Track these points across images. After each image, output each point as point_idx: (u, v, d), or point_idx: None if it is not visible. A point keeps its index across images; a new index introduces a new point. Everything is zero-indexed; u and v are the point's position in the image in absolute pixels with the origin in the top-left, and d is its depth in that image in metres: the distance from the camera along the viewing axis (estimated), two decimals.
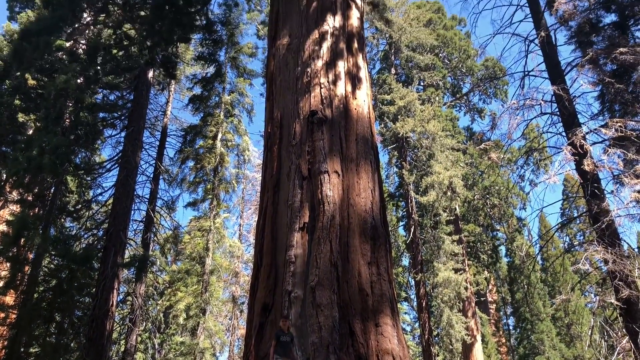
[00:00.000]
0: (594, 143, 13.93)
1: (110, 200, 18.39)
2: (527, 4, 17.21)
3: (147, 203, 21.08)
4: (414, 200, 27.40)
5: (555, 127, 15.45)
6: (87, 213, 18.97)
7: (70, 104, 14.46)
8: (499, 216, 30.67)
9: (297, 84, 6.99)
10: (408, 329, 39.47)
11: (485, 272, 31.35)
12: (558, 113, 14.69)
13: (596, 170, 13.03)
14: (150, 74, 19.85)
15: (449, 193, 25.54)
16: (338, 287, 5.48)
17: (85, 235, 18.50)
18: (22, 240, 13.27)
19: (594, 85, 13.72)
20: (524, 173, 17.73)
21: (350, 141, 6.47)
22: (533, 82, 25.54)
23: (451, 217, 27.33)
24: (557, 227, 29.75)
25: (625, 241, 13.05)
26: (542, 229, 36.99)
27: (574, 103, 14.36)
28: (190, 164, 24.12)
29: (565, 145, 13.74)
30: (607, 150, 13.06)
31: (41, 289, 15.31)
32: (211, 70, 22.95)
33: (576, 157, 13.11)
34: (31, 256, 15.02)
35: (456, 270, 24.58)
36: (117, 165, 18.65)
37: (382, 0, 34.05)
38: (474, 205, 31.05)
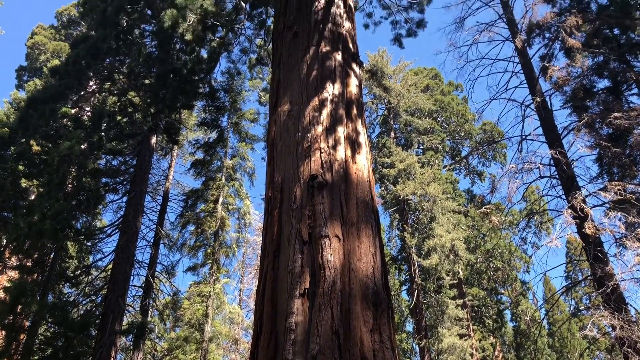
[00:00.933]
0: (594, 206, 13.96)
1: (110, 266, 18.22)
2: (521, 71, 17.71)
3: (146, 268, 20.85)
4: (416, 263, 27.11)
5: (555, 190, 15.54)
6: (86, 279, 18.74)
7: (74, 170, 14.60)
8: (503, 279, 30.31)
9: (298, 148, 7.07)
10: None
11: (491, 337, 30.61)
12: (557, 176, 14.79)
13: (598, 233, 12.97)
14: (154, 139, 20.16)
15: (451, 256, 25.34)
16: (340, 356, 5.33)
17: (84, 302, 18.18)
18: (19, 308, 13.05)
19: (591, 148, 13.91)
20: (526, 236, 17.68)
21: (351, 205, 6.47)
22: (531, 145, 26.01)
23: (454, 281, 26.97)
24: (562, 290, 29.22)
25: (632, 306, 12.82)
26: (547, 293, 36.43)
27: (573, 166, 14.50)
28: (191, 228, 24.06)
29: (565, 209, 13.75)
30: (608, 214, 13.06)
31: (36, 358, 14.90)
32: (214, 135, 23.31)
33: (577, 220, 13.08)
34: (27, 324, 14.72)
35: (461, 336, 24.02)
36: (117, 230, 18.59)
37: (380, 67, 35.12)
38: (477, 268, 30.73)
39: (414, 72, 37.89)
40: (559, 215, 14.60)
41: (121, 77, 15.46)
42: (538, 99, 15.70)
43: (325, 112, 7.30)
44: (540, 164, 15.28)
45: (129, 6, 14.08)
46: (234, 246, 25.55)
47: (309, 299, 5.79)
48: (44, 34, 27.87)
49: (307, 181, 6.55)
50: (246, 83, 26.05)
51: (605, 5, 16.01)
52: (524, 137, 16.83)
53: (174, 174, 25.53)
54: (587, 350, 25.46)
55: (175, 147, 25.06)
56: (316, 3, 9.05)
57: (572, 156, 14.91)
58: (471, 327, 27.12)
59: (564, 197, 14.69)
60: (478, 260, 29.69)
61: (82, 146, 14.34)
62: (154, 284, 20.83)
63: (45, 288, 15.18)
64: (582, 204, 13.02)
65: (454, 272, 26.52)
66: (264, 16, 14.26)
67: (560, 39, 15.47)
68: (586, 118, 13.78)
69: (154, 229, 22.09)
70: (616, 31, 15.24)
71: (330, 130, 7.09)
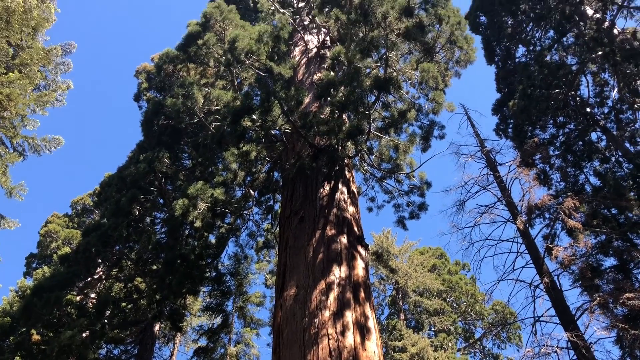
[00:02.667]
0: None
1: None
2: (526, 251, 17.82)
3: None
4: None
5: None
6: None
7: None
8: None
9: (305, 335, 6.85)
10: None
11: None
12: None
13: None
14: (157, 326, 19.67)
15: None
16: None
17: None
18: None
19: (608, 330, 13.41)
20: None
21: None
22: (545, 327, 25.06)
23: None
24: None
25: None
26: None
27: (592, 350, 13.84)
28: None
29: None
30: None
31: None
32: (218, 320, 22.71)
33: None
34: None
35: None
36: None
37: (386, 248, 35.52)
38: None
39: (420, 251, 38.20)
40: None
41: (129, 263, 15.62)
42: (546, 280, 15.56)
43: (333, 295, 7.22)
44: (557, 347, 14.63)
45: (142, 197, 14.77)
46: None
47: None
48: (58, 222, 28.83)
49: None
50: (253, 266, 26.21)
51: (599, 187, 16.69)
52: (536, 318, 16.35)
53: None
54: None
55: (179, 334, 24.33)
56: (321, 190, 9.49)
57: (590, 339, 14.32)
58: None
59: None
60: None
61: (84, 334, 13.95)
62: None
63: None
64: None
65: None
66: (271, 202, 14.83)
67: (560, 219, 15.85)
68: (598, 298, 13.52)
69: None
70: (614, 211, 15.67)
71: (338, 314, 6.94)
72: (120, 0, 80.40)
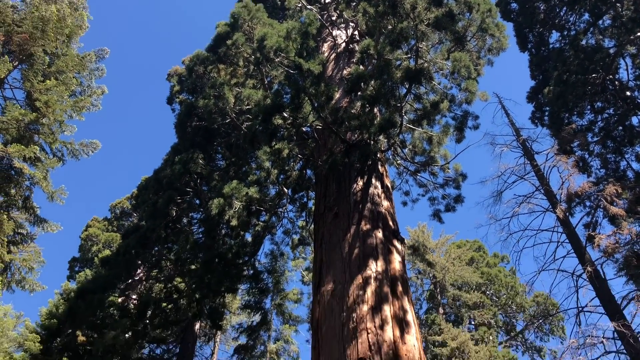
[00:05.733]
0: None
1: None
2: (567, 241, 17.41)
3: None
4: None
5: None
6: None
7: None
8: None
9: (343, 330, 6.83)
10: None
11: None
12: (625, 352, 13.66)
13: None
14: (197, 325, 19.98)
15: None
16: None
17: None
18: None
19: None
20: None
21: None
22: (589, 317, 24.49)
23: None
24: None
25: None
26: None
27: None
28: None
29: None
30: None
31: None
32: (257, 318, 22.94)
33: None
34: None
35: None
36: None
37: (422, 242, 35.20)
38: None
39: (457, 245, 37.73)
40: None
41: (168, 263, 15.88)
42: (589, 269, 15.17)
43: (370, 290, 7.18)
44: (604, 337, 14.24)
45: (179, 198, 14.99)
46: None
47: None
48: (98, 226, 29.54)
49: None
50: (289, 263, 26.31)
51: None
52: (580, 309, 15.96)
53: None
54: None
55: (219, 332, 24.64)
56: (354, 185, 9.44)
57: (638, 328, 13.90)
58: None
59: None
60: None
61: (127, 335, 14.27)
62: None
63: None
64: None
65: None
66: (305, 199, 14.85)
67: (602, 207, 15.42)
68: None
69: None
70: None
71: (377, 308, 6.89)
72: (149, 5, 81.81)
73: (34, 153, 17.75)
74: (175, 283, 16.03)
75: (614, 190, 14.79)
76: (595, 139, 18.55)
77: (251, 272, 15.75)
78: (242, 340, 24.11)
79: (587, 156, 18.49)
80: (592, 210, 16.65)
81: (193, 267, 14.78)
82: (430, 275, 34.45)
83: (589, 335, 14.08)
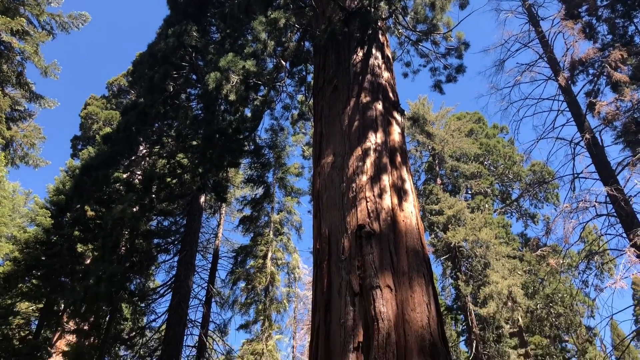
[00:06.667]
0: None
1: (164, 327, 18.31)
2: (567, 109, 17.33)
3: (199, 327, 20.83)
4: (473, 312, 26.09)
5: (614, 228, 14.82)
6: (140, 340, 18.85)
7: (126, 232, 15.00)
8: (566, 326, 28.63)
9: (343, 199, 7.02)
10: None
11: None
12: (615, 214, 14.16)
13: None
14: (202, 198, 20.58)
15: (509, 303, 24.32)
16: None
17: None
18: None
19: None
20: (587, 278, 16.89)
21: (401, 254, 6.32)
22: (584, 184, 25.16)
23: (514, 329, 25.76)
24: (632, 335, 27.43)
25: None
26: (616, 339, 34.28)
27: (631, 203, 13.87)
28: (242, 284, 24.10)
29: (627, 247, 13.07)
30: None
31: None
32: (260, 191, 23.63)
33: None
34: None
35: None
36: (170, 290, 18.79)
37: (422, 114, 35.16)
38: (538, 315, 29.20)
39: (457, 117, 37.72)
40: (621, 254, 13.86)
41: (169, 140, 15.99)
42: (588, 136, 15.26)
43: (369, 161, 7.28)
44: (596, 201, 14.68)
45: (174, 72, 14.71)
46: (284, 301, 25.37)
47: (364, 352, 5.59)
48: (96, 104, 29.33)
49: (354, 231, 6.47)
50: (289, 138, 26.49)
51: None
52: (576, 175, 16.31)
53: (223, 232, 25.83)
54: None
55: (224, 204, 25.46)
56: (354, 56, 9.20)
57: (630, 192, 14.28)
58: None
59: (624, 235, 13.99)
60: (538, 307, 28.24)
61: (134, 209, 14.76)
62: (207, 344, 20.73)
63: (102, 351, 15.33)
64: None
65: (513, 319, 25.37)
66: (303, 73, 14.58)
67: (605, 74, 15.15)
68: None
69: (206, 288, 22.20)
70: None
71: (375, 178, 7.04)
72: None
73: (21, 26, 17.15)
74: (178, 159, 16.26)
75: (620, 56, 14.44)
76: (604, 2, 17.74)
77: (252, 147, 15.92)
78: (247, 211, 25.02)
79: (594, 21, 17.80)
80: (595, 78, 16.39)
81: (194, 143, 14.90)
82: (429, 147, 34.83)
83: (581, 200, 14.51)
